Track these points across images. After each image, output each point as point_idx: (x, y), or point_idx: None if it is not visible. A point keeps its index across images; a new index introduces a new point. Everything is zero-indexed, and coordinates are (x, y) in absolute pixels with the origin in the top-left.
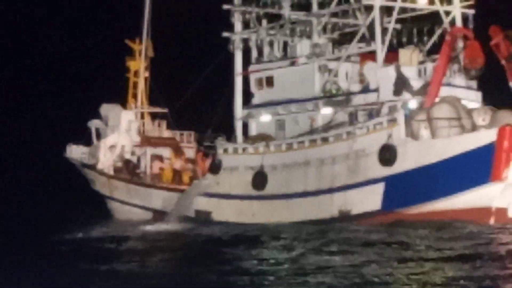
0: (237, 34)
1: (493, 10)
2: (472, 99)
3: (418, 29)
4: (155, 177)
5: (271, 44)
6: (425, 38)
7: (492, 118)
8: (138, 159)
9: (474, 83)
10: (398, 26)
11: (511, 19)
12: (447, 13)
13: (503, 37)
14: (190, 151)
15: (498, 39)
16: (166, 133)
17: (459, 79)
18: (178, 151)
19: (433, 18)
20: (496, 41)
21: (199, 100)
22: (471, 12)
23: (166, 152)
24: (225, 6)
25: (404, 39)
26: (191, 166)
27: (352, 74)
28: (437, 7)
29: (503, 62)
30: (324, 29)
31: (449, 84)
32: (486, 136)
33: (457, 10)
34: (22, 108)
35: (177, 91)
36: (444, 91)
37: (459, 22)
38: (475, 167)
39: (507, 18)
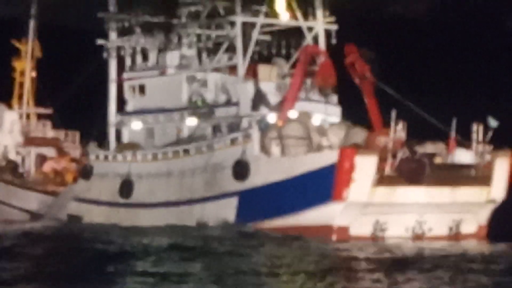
0: (111, 42)
1: (357, 28)
2: (331, 114)
3: (287, 42)
4: (38, 178)
5: (144, 52)
6: (293, 51)
7: (345, 135)
8: (23, 159)
9: (334, 98)
10: (268, 38)
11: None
12: (311, 28)
13: (358, 55)
14: (75, 151)
15: (353, 57)
16: (51, 133)
17: (318, 94)
18: (61, 151)
19: (300, 32)
20: (351, 59)
21: (83, 101)
22: (334, 28)
23: (50, 152)
24: (100, 14)
25: (274, 51)
26: (75, 166)
27: (221, 85)
28: (300, 23)
29: (357, 80)
30: (199, 39)
31: (307, 99)
32: (329, 156)
33: (319, 26)
34: None
35: (63, 91)
36: (302, 106)
37: (322, 38)
38: (318, 186)
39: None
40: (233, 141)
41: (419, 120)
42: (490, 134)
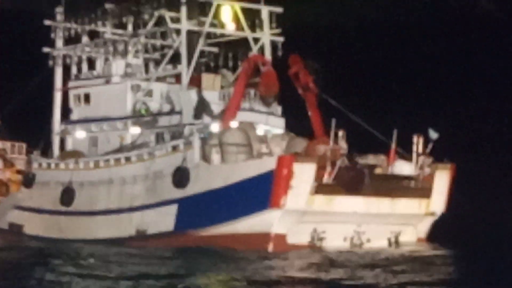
0: (57, 50)
1: (303, 39)
2: (275, 125)
3: (234, 54)
4: None
5: (90, 61)
6: (240, 63)
7: (287, 145)
8: None
9: (278, 109)
10: (216, 49)
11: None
12: (257, 40)
13: (303, 66)
14: (21, 163)
15: (297, 68)
16: None
17: (262, 105)
18: (7, 162)
19: (247, 44)
20: (295, 70)
21: (30, 112)
22: (280, 40)
23: None
24: (47, 22)
25: (221, 63)
26: (21, 178)
27: (165, 94)
28: (246, 34)
29: (300, 91)
30: (147, 50)
31: (251, 110)
32: (267, 163)
33: (266, 37)
34: None
35: (10, 102)
36: (245, 116)
37: (268, 50)
38: (256, 193)
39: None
40: (174, 149)
41: (361, 131)
42: (430, 146)
